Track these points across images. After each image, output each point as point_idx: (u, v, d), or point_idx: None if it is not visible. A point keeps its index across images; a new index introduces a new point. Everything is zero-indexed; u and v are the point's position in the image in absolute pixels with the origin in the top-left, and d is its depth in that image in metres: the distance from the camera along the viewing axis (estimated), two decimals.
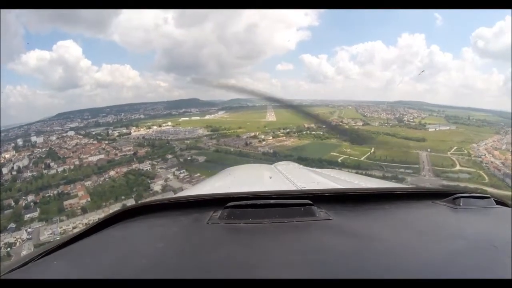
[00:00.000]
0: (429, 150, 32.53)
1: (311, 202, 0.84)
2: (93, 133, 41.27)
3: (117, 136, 40.75)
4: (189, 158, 33.40)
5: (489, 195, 1.12)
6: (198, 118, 44.49)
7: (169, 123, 43.11)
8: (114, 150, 37.26)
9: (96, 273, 0.59)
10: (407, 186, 1.62)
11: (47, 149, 38.75)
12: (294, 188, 1.53)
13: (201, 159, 33.11)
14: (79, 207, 25.45)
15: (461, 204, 1.00)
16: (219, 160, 30.19)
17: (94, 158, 35.52)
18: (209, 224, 0.79)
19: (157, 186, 28.13)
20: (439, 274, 0.56)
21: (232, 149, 34.82)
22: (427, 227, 0.87)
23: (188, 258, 0.64)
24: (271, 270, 0.57)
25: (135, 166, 32.20)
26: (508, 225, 0.86)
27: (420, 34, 47.21)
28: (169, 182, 28.41)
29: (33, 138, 40.05)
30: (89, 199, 26.46)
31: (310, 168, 2.46)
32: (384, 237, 0.76)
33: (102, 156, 36.19)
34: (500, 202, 1.13)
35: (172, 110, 45.68)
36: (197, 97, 47.28)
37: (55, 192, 28.63)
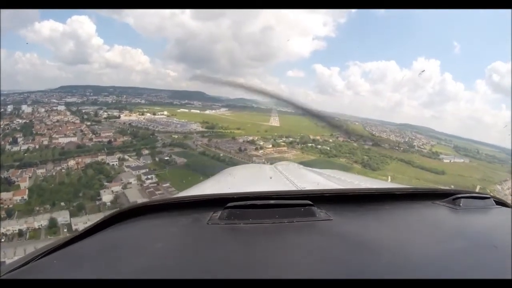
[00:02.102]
0: (452, 186, 27.95)
1: (311, 203, 0.84)
2: (83, 111, 37.29)
3: (104, 118, 36.17)
4: (167, 158, 27.75)
5: (489, 195, 1.13)
6: (198, 111, 40.55)
7: (165, 113, 39.18)
8: (91, 134, 32.40)
9: (96, 273, 0.59)
10: (407, 187, 1.49)
11: (27, 121, 34.50)
12: (294, 189, 1.50)
13: (181, 161, 27.75)
14: (8, 206, 20.35)
15: (461, 204, 1.01)
16: (201, 167, 24.55)
17: (65, 140, 30.79)
18: (209, 225, 0.79)
19: (107, 195, 22.71)
20: (440, 274, 0.56)
21: (222, 154, 29.16)
22: (427, 227, 0.88)
23: (188, 258, 0.65)
24: (271, 270, 0.58)
25: (101, 158, 26.92)
26: (508, 225, 0.89)
27: (435, 60, 46.45)
28: (126, 190, 22.87)
29: (23, 107, 36.64)
30: (25, 197, 21.41)
31: (310, 169, 2.46)
32: (384, 237, 0.77)
33: (75, 139, 31.36)
34: (500, 202, 1.14)
35: (174, 100, 42.64)
36: (203, 91, 44.15)
37: (1, 176, 23.90)
